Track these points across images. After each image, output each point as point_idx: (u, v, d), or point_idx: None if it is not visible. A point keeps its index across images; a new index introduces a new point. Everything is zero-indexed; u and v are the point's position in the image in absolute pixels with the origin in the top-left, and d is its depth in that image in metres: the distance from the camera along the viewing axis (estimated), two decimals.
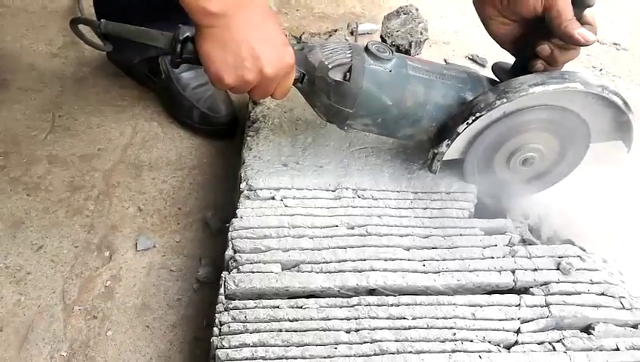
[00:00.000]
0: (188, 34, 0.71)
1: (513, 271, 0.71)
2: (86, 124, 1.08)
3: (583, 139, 0.78)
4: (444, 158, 0.77)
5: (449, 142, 0.75)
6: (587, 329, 0.67)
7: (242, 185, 0.80)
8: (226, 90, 1.10)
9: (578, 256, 0.73)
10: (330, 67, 0.73)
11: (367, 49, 0.75)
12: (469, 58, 1.26)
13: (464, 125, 0.73)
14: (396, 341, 0.62)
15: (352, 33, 1.29)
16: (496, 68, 0.81)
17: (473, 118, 0.72)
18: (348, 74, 0.73)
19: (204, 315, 0.79)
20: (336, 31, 1.28)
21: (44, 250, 0.85)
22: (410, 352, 0.61)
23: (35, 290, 0.80)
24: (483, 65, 1.22)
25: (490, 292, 0.70)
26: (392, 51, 0.75)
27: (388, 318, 0.64)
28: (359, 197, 0.79)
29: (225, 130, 1.08)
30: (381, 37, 1.15)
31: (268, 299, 0.66)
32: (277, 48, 0.70)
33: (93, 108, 1.11)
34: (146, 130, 1.09)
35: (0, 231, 0.87)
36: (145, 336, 0.77)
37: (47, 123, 1.07)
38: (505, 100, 0.71)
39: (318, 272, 0.69)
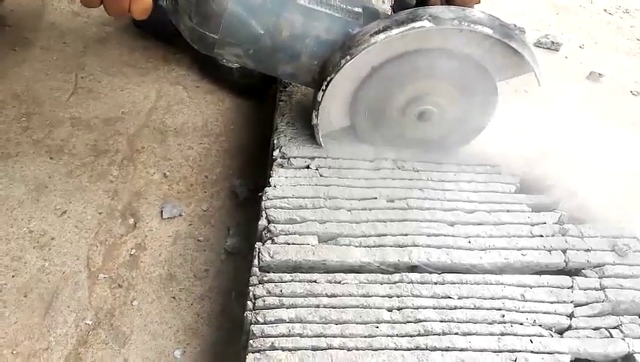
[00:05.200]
0: None
1: (564, 251, 0.66)
2: (109, 87, 1.04)
3: (480, 79, 0.67)
4: (331, 129, 0.69)
5: (316, 112, 0.68)
6: None
7: (275, 153, 0.76)
8: None
9: (635, 238, 0.68)
10: None
11: None
12: None
13: (320, 93, 0.66)
14: (441, 321, 0.58)
15: None
16: (397, 5, 0.71)
17: (325, 83, 0.65)
18: None
19: (233, 287, 0.76)
20: None
21: (68, 215, 0.82)
22: (456, 334, 0.57)
23: (60, 256, 0.77)
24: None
25: (539, 273, 0.65)
26: None
27: (432, 297, 0.60)
28: (399, 168, 0.74)
29: (261, 86, 1.04)
30: None
31: (304, 272, 0.63)
32: None
33: (117, 69, 1.07)
34: (170, 94, 1.05)
35: (23, 195, 0.84)
36: (171, 308, 0.74)
37: (70, 84, 1.03)
38: (348, 57, 0.63)
39: (356, 246, 0.65)
